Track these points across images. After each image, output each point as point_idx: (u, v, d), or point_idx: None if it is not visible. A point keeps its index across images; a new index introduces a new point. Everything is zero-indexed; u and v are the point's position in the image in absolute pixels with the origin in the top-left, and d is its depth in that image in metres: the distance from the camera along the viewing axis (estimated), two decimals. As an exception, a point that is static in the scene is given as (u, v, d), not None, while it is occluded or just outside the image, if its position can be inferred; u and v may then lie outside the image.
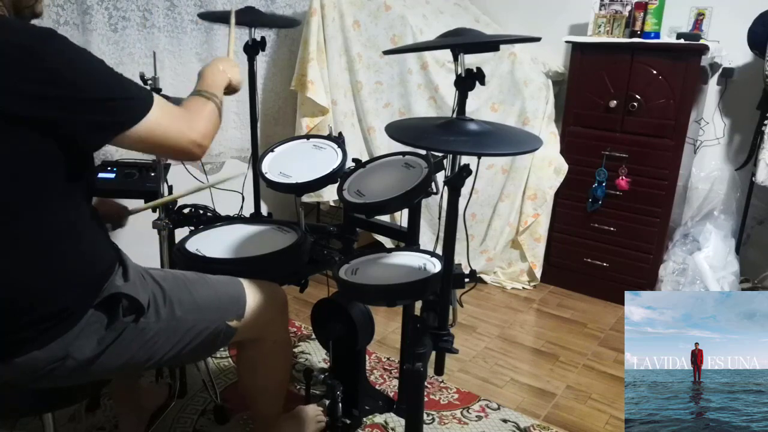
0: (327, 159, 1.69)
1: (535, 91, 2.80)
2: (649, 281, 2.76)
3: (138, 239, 1.82)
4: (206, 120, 1.18)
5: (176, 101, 1.20)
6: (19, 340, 1.05)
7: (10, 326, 1.04)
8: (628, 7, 2.69)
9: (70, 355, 1.09)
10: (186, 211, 1.82)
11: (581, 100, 2.76)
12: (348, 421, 1.71)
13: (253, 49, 2.01)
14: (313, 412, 1.76)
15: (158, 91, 1.75)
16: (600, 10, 2.75)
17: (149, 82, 1.73)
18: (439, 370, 1.38)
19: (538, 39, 1.14)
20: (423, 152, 1.49)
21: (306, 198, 2.61)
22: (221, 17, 2.22)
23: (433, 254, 1.51)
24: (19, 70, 0.94)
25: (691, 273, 2.64)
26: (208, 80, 1.30)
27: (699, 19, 2.77)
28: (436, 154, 1.52)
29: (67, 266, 1.07)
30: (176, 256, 1.56)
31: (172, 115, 1.11)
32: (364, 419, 1.87)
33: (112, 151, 2.26)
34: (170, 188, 1.78)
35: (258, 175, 1.74)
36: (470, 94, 1.16)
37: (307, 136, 1.83)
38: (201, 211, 1.82)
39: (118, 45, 2.21)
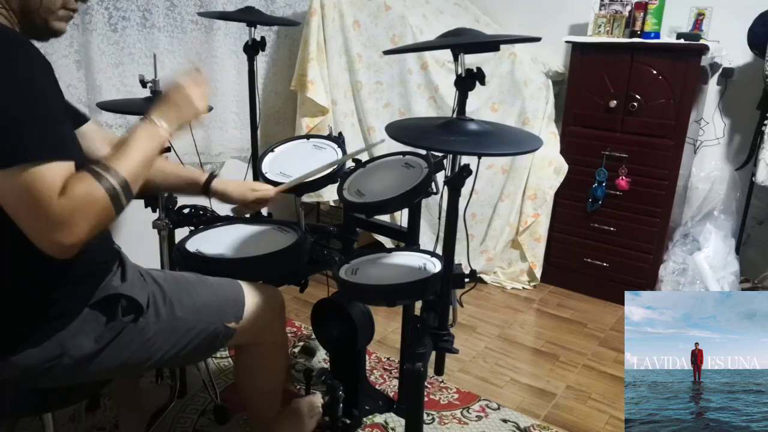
0: (327, 159, 1.69)
1: (535, 91, 2.80)
2: (649, 281, 2.76)
3: (138, 239, 1.82)
4: (91, 216, 0.92)
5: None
6: (14, 338, 1.05)
7: (4, 323, 1.04)
8: (628, 7, 2.69)
9: (67, 353, 1.09)
10: (186, 211, 1.82)
11: (581, 100, 2.76)
12: (348, 421, 1.70)
13: (253, 49, 2.02)
14: (307, 406, 1.75)
15: (158, 93, 1.75)
16: (600, 10, 2.75)
17: (149, 84, 1.73)
18: (439, 370, 1.38)
19: (538, 39, 1.14)
20: (423, 152, 1.49)
21: (306, 198, 2.61)
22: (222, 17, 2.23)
23: (433, 254, 1.51)
24: None
25: (691, 273, 2.64)
26: (139, 145, 1.03)
27: (699, 19, 2.77)
28: (436, 154, 1.52)
29: (60, 264, 1.06)
30: (176, 256, 1.56)
31: (56, 189, 0.88)
32: (364, 419, 1.87)
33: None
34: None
35: (258, 175, 1.74)
36: (470, 94, 1.16)
37: (307, 136, 1.83)
38: (201, 211, 1.82)
39: (118, 45, 2.21)
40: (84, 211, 0.91)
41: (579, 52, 2.73)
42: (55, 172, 0.89)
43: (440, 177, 1.49)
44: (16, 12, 1.02)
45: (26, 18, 1.03)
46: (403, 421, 1.86)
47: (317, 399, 1.77)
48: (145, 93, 1.75)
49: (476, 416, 1.96)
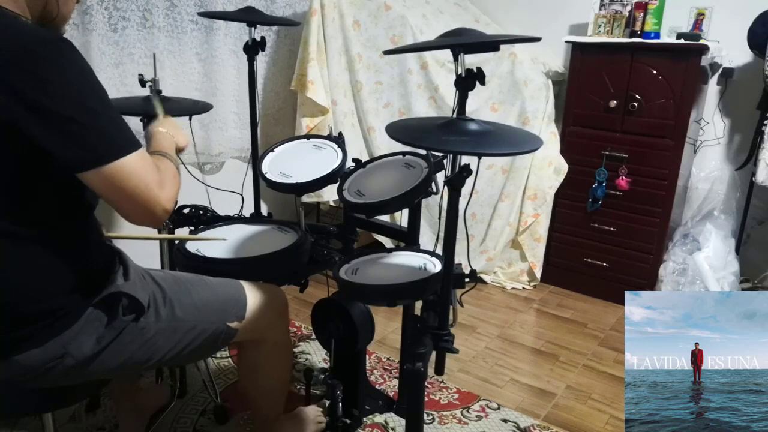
0: (327, 159, 1.69)
1: (535, 91, 2.80)
2: (649, 281, 2.76)
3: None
4: (173, 184, 1.12)
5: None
6: (18, 338, 1.05)
7: (9, 324, 1.05)
8: (628, 7, 2.69)
9: (69, 354, 1.09)
10: (186, 211, 1.82)
11: (581, 100, 2.76)
12: (348, 421, 1.71)
13: (253, 49, 2.02)
14: (313, 412, 1.76)
15: (159, 92, 1.76)
16: (600, 10, 2.75)
17: (149, 84, 1.73)
18: (439, 370, 1.38)
19: (538, 39, 1.14)
20: (423, 152, 1.49)
21: (306, 198, 2.61)
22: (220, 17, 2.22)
23: (433, 254, 1.51)
24: (17, 72, 0.92)
25: (691, 273, 2.64)
26: (163, 143, 1.25)
27: (699, 19, 2.77)
28: (436, 154, 1.52)
29: (66, 264, 1.07)
30: (176, 256, 1.56)
31: (151, 169, 1.05)
32: (364, 419, 1.86)
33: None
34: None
35: (258, 175, 1.74)
36: (470, 94, 1.16)
37: (307, 136, 1.83)
38: (201, 212, 1.82)
39: (118, 45, 2.21)
40: (174, 179, 1.13)
41: (579, 52, 2.73)
42: (145, 153, 1.07)
43: (440, 177, 1.49)
44: (35, 18, 1.07)
45: (42, 24, 1.09)
46: (403, 421, 1.86)
47: (321, 410, 1.78)
48: (145, 92, 1.76)
49: (476, 416, 1.96)
